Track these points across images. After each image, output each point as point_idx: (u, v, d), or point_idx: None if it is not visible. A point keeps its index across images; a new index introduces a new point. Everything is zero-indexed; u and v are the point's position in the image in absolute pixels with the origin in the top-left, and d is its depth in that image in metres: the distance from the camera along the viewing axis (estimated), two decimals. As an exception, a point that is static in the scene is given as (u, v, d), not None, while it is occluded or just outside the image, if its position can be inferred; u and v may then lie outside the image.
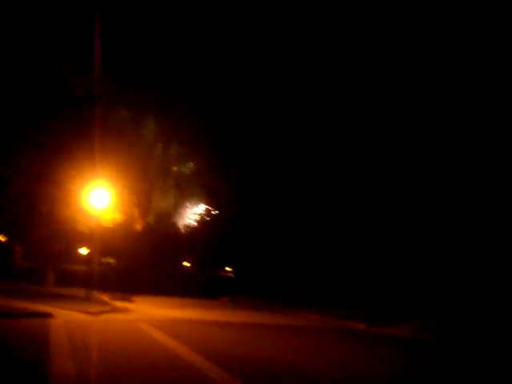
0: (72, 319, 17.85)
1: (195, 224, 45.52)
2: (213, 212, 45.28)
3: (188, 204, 44.36)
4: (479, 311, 30.52)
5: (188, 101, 37.50)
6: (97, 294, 28.04)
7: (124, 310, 23.79)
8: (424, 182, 40.07)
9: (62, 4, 29.08)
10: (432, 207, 39.45)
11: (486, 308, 30.83)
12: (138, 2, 33.50)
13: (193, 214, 44.76)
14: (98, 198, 25.52)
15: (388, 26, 39.99)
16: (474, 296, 32.81)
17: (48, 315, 17.86)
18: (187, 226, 45.75)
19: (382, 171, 42.22)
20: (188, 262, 51.69)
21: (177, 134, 39.46)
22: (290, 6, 39.18)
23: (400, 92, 39.99)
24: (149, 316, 22.36)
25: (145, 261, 40.11)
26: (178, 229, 44.04)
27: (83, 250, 51.44)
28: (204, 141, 39.83)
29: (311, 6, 39.63)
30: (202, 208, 46.28)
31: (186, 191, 42.33)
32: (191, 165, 41.19)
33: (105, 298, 28.31)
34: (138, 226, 30.75)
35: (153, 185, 35.18)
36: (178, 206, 42.85)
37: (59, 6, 28.87)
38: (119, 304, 26.20)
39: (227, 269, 56.06)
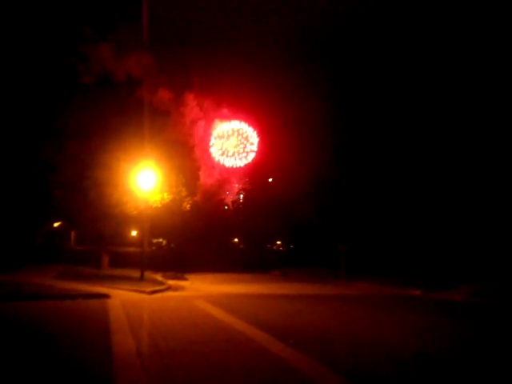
0: (128, 299, 18.23)
1: (241, 200, 45.75)
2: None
3: (233, 179, 44.62)
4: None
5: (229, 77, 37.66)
6: (150, 274, 28.59)
7: (178, 288, 24.13)
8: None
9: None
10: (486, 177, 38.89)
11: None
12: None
13: (239, 189, 44.96)
14: (146, 179, 25.79)
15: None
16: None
17: (105, 296, 18.35)
18: (235, 202, 46.03)
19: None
20: (238, 237, 52.15)
21: (219, 113, 39.69)
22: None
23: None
24: (202, 292, 22.63)
25: (195, 239, 40.58)
26: (227, 205, 44.34)
27: (134, 232, 52.56)
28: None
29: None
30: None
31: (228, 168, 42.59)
32: (234, 140, 41.35)
33: (158, 277, 28.76)
34: (187, 205, 30.97)
35: (199, 162, 35.37)
36: (224, 183, 43.11)
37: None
38: (173, 282, 26.59)
39: (278, 242, 56.34)
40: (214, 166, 40.71)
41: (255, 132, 43.71)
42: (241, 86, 39.49)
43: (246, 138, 43.28)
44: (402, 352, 10.43)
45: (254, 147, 43.48)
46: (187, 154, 31.89)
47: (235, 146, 42.80)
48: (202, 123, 35.88)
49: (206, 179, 37.51)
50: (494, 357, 10.61)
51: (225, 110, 40.94)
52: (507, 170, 37.41)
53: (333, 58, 42.09)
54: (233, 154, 42.57)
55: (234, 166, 43.07)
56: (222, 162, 42.36)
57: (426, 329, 14.02)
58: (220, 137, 42.03)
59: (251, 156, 43.47)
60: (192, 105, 33.59)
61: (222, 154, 42.28)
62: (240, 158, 42.88)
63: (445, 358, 10.17)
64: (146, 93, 29.16)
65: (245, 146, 43.06)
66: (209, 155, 39.72)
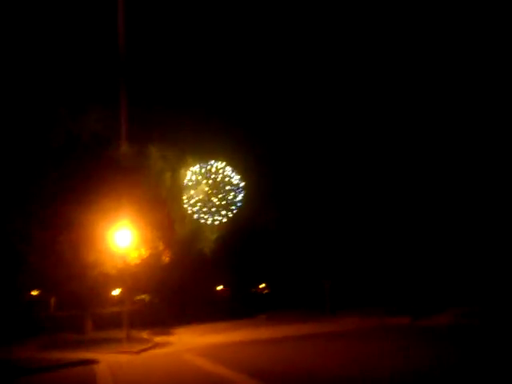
0: (116, 361, 17.97)
1: (220, 246, 45.60)
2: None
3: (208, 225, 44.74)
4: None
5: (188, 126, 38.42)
6: (136, 333, 28.13)
7: (165, 344, 23.84)
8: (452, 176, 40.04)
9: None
10: (466, 198, 39.29)
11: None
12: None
13: (215, 235, 44.93)
14: (122, 238, 25.73)
15: (388, 27, 40.50)
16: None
17: (93, 361, 18.04)
18: (212, 249, 45.84)
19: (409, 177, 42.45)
20: (221, 284, 51.73)
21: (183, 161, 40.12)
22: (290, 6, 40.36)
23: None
24: (190, 346, 22.40)
25: (178, 292, 40.16)
26: (205, 254, 44.12)
27: (115, 291, 51.77)
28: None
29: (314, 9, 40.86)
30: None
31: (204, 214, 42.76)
32: (203, 187, 41.70)
33: (144, 335, 28.36)
34: (166, 258, 30.78)
35: (172, 215, 35.29)
36: (199, 231, 43.13)
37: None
38: (159, 339, 26.26)
39: (262, 285, 55.95)
40: (185, 215, 40.78)
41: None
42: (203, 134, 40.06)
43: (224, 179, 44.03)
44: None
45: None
46: (160, 208, 31.84)
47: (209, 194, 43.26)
48: (168, 174, 35.94)
49: (180, 230, 37.39)
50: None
51: (189, 159, 41.43)
52: (491, 193, 37.74)
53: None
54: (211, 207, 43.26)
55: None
56: (194, 213, 42.71)
57: (416, 357, 14.10)
58: (189, 186, 42.47)
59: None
60: (155, 157, 33.73)
61: (194, 205, 42.72)
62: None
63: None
64: (107, 152, 29.40)
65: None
66: (180, 206, 39.76)
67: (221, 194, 45.96)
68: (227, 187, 46.21)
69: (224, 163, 45.49)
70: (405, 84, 40.95)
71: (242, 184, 46.44)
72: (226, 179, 46.16)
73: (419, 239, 40.28)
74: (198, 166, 44.19)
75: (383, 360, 13.87)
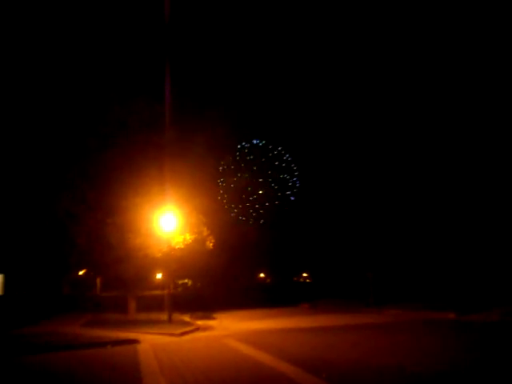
0: (158, 342, 18.12)
1: (264, 232, 45.60)
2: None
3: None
4: None
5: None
6: (178, 316, 28.44)
7: (207, 328, 23.93)
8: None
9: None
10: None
11: None
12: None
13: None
14: (167, 222, 25.99)
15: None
16: None
17: (135, 341, 18.27)
18: (256, 236, 45.86)
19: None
20: (263, 272, 51.82)
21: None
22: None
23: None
24: (232, 331, 22.41)
25: (221, 277, 40.41)
26: (249, 240, 44.19)
27: (159, 275, 52.50)
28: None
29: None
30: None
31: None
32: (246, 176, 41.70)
33: (186, 318, 28.59)
34: (210, 244, 30.91)
35: (217, 201, 35.42)
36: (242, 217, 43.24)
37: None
38: (201, 322, 26.41)
39: (304, 274, 55.79)
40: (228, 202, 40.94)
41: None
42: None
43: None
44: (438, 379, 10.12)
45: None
46: (204, 194, 31.96)
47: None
48: (211, 161, 35.95)
49: (224, 216, 37.50)
50: None
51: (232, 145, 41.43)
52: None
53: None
54: None
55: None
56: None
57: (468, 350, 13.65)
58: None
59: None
60: (199, 143, 33.75)
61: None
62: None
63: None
64: (157, 136, 29.58)
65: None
66: (224, 193, 39.94)
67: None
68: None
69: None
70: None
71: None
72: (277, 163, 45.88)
73: (464, 237, 39.45)
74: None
75: (433, 352, 13.49)
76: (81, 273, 41.60)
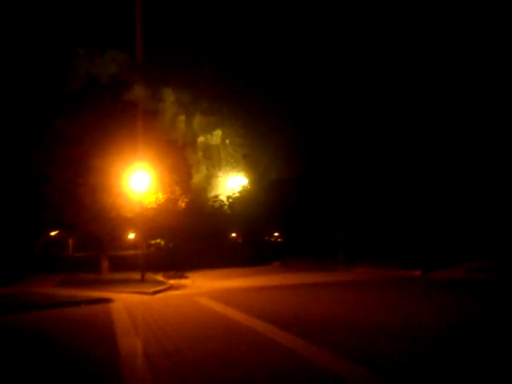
0: (131, 301, 18.33)
1: (237, 194, 45.77)
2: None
3: (225, 174, 44.83)
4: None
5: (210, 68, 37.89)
6: (151, 275, 28.71)
7: (179, 287, 24.24)
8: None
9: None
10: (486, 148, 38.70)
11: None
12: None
13: (234, 183, 45.08)
14: (140, 181, 25.90)
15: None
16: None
17: (108, 300, 18.47)
18: (229, 197, 46.05)
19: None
20: (235, 232, 52.20)
21: (200, 105, 39.74)
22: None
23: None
24: (204, 289, 22.74)
25: (193, 237, 40.64)
26: (222, 201, 44.31)
27: (131, 235, 52.47)
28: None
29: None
30: (240, 178, 46.53)
31: (220, 161, 42.77)
32: (219, 133, 41.56)
33: (159, 277, 28.88)
34: (182, 204, 30.99)
35: (190, 161, 35.35)
36: (215, 179, 43.26)
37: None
38: (174, 281, 26.71)
39: (276, 234, 56.42)
40: (200, 161, 40.86)
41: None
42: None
43: None
44: (403, 333, 10.54)
45: None
46: (176, 153, 31.83)
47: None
48: (182, 118, 35.73)
49: (197, 176, 37.54)
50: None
51: (204, 104, 41.12)
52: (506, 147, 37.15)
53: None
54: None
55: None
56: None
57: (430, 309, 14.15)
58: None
59: None
60: (170, 100, 33.43)
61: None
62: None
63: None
64: (135, 93, 29.18)
65: None
66: (195, 152, 39.86)
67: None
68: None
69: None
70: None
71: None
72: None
73: (434, 193, 39.93)
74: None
75: (402, 307, 13.96)
76: (53, 233, 41.39)
